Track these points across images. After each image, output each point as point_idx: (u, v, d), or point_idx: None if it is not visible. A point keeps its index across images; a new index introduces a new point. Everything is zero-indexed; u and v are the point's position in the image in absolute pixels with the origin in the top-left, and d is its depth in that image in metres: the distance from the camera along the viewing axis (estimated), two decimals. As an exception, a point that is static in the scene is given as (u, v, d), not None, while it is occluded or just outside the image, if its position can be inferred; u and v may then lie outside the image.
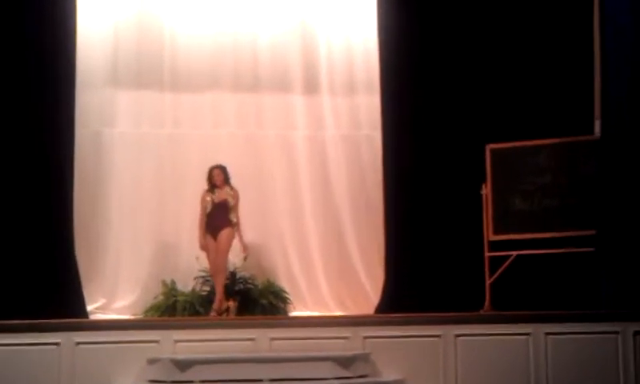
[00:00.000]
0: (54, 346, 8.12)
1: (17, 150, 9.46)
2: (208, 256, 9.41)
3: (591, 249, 9.07)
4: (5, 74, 9.49)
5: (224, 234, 9.30)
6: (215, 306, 9.27)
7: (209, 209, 9.35)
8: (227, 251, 9.36)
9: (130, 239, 10.18)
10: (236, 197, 9.37)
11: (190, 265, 9.87)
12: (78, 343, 8.16)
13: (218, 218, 9.33)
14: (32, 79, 9.52)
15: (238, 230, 9.38)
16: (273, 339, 8.35)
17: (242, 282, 9.74)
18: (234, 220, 9.33)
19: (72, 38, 9.71)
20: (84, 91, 9.98)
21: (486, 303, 9.42)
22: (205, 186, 9.50)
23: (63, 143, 9.61)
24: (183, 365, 7.94)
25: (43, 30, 9.58)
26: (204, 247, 9.38)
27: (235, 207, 9.36)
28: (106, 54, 10.31)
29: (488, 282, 9.45)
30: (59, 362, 8.09)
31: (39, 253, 9.35)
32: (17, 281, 9.14)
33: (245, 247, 9.42)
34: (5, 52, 9.48)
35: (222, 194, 9.37)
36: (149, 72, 10.36)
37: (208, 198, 9.38)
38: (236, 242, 9.42)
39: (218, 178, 9.38)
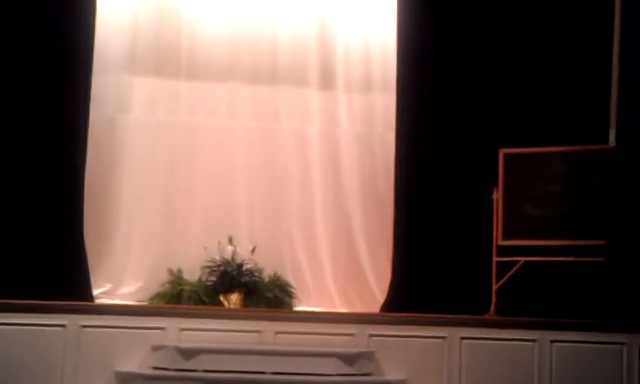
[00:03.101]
0: (60, 328, 8.15)
1: (30, 131, 9.50)
2: None
3: (600, 258, 9.05)
4: (22, 55, 9.52)
5: None
6: None
7: None
8: None
9: (139, 226, 10.13)
10: None
11: (198, 255, 9.84)
12: (84, 326, 8.19)
13: None
14: (49, 61, 9.54)
15: None
16: (278, 333, 8.38)
17: (248, 274, 9.72)
18: None
19: (91, 21, 9.75)
20: (100, 76, 9.97)
21: (492, 308, 9.40)
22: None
23: (77, 126, 9.64)
24: (188, 353, 7.96)
25: (62, 13, 9.60)
26: None
27: None
28: (124, 39, 10.25)
29: (495, 286, 9.43)
30: (64, 344, 8.12)
31: (48, 235, 9.39)
32: (25, 262, 9.19)
33: None
34: (23, 33, 9.51)
35: None
36: (166, 59, 10.31)
37: None
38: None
39: None
